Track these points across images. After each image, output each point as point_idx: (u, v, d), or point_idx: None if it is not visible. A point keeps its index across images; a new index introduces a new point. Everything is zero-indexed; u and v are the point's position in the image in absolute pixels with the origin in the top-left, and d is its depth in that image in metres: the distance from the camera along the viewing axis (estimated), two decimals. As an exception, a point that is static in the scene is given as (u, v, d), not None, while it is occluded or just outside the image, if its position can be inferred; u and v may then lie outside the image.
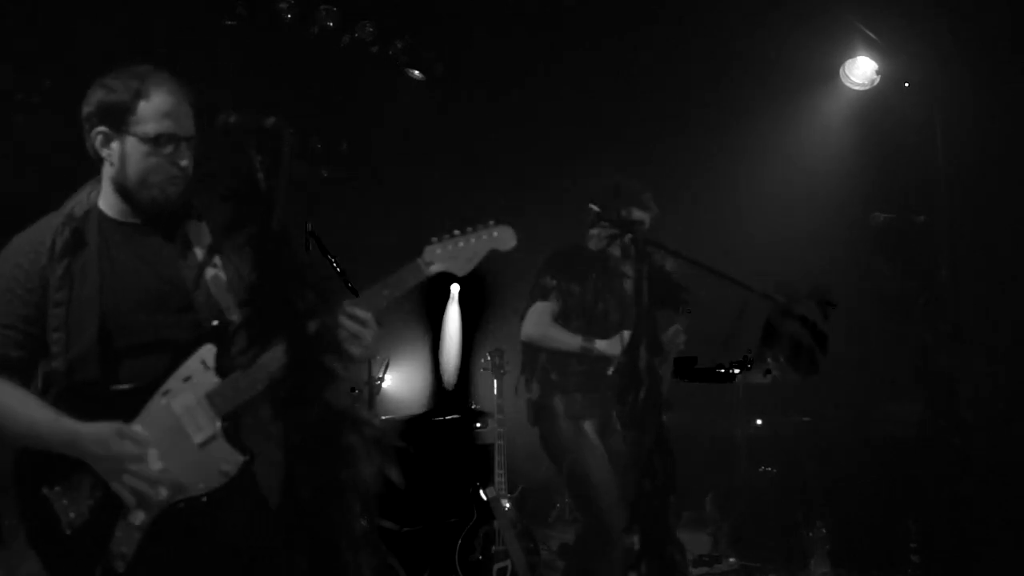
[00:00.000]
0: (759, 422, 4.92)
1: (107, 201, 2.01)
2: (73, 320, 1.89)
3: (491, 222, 2.16)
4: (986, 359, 4.20)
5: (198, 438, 1.88)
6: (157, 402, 1.89)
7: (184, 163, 1.94)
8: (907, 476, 4.29)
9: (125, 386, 1.88)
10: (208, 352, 1.91)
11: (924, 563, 4.08)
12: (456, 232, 2.13)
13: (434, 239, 2.11)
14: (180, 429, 1.87)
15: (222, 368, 1.90)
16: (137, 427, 1.86)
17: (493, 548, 4.21)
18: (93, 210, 1.99)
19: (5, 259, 1.94)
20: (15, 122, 3.91)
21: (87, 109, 1.96)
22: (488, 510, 4.29)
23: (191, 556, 1.88)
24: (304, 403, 1.28)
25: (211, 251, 2.01)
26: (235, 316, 1.94)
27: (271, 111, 1.57)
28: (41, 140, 3.76)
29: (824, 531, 4.30)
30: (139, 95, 1.91)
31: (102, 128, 1.93)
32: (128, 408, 1.88)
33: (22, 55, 3.92)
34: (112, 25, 3.95)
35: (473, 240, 2.13)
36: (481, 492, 4.33)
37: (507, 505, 4.34)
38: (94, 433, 1.81)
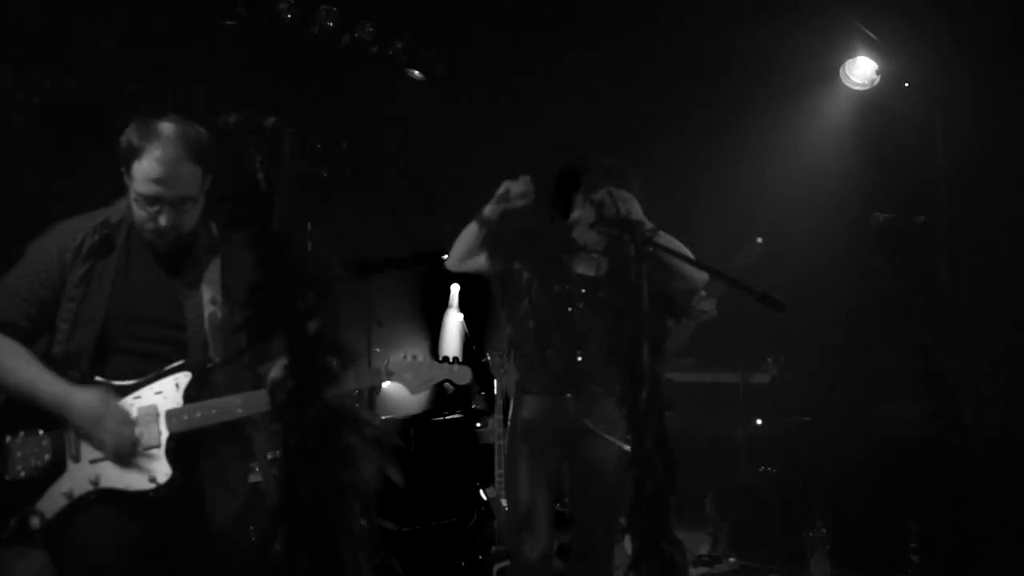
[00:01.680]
0: (759, 422, 4.92)
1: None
2: (81, 317, 2.09)
3: (458, 361, 2.59)
4: (986, 359, 4.20)
5: (144, 442, 2.08)
6: (128, 401, 2.09)
7: (164, 223, 2.10)
8: (907, 476, 4.29)
9: (102, 380, 2.09)
10: (183, 377, 2.13)
11: (924, 563, 4.07)
12: (416, 357, 2.52)
13: (404, 354, 2.51)
14: (132, 429, 2.08)
15: (188, 395, 2.12)
16: (119, 403, 2.07)
17: (493, 548, 4.21)
18: (126, 220, 2.17)
19: (43, 243, 2.14)
20: (15, 122, 3.91)
21: (121, 144, 2.14)
22: (488, 510, 4.29)
23: (113, 545, 2.05)
24: (304, 403, 1.28)
25: (202, 282, 2.20)
26: (214, 355, 2.16)
27: (271, 111, 1.57)
28: (41, 140, 3.76)
29: (824, 531, 4.30)
30: (138, 153, 2.07)
31: (122, 169, 2.13)
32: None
33: (22, 55, 3.92)
34: (112, 25, 3.95)
35: (432, 367, 2.52)
36: (481, 492, 4.33)
37: (507, 505, 4.33)
38: (84, 403, 2.03)
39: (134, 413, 2.08)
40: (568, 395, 2.90)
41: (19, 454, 2.01)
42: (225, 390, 2.13)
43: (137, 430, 2.07)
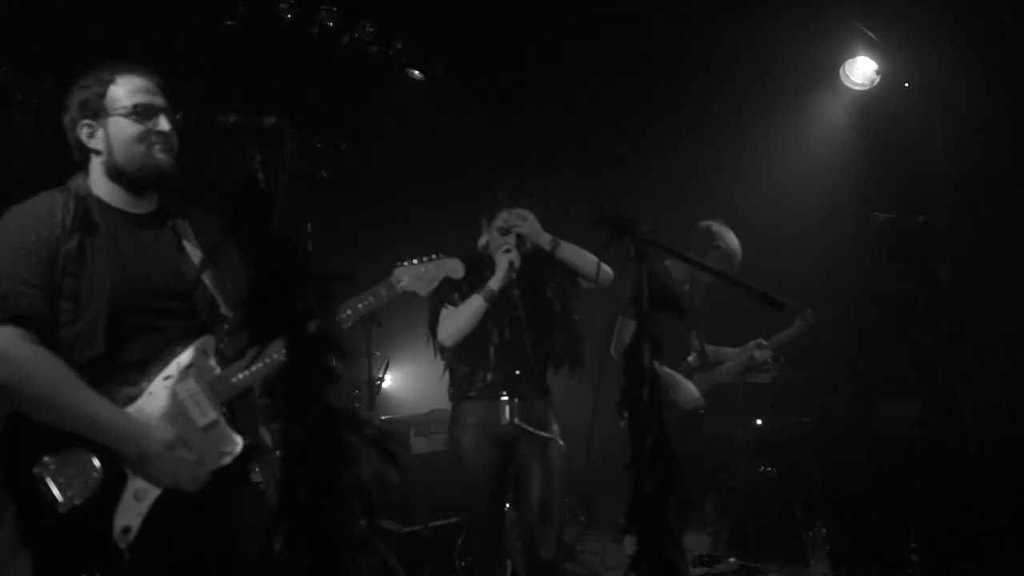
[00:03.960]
0: (759, 422, 4.92)
1: (101, 189, 2.08)
2: (83, 292, 1.93)
3: (442, 255, 2.68)
4: (986, 359, 4.20)
5: (202, 422, 1.97)
6: (159, 386, 1.96)
7: (165, 127, 2.05)
8: (907, 476, 4.29)
9: (128, 360, 1.95)
10: (208, 342, 2.03)
11: (924, 563, 4.07)
12: (415, 260, 2.63)
13: (399, 263, 2.60)
14: (185, 413, 1.96)
15: (223, 357, 2.03)
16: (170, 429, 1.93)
17: (493, 548, 4.20)
18: (90, 196, 2.06)
19: (18, 226, 1.95)
20: (15, 122, 3.91)
21: (69, 114, 2.08)
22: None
23: (189, 537, 1.94)
24: (304, 403, 1.28)
25: (208, 250, 2.12)
26: (224, 310, 2.08)
27: (271, 111, 1.57)
28: (41, 140, 3.76)
29: (824, 531, 4.30)
30: (110, 82, 2.05)
31: (85, 122, 2.06)
32: (128, 386, 1.95)
33: (22, 55, 3.92)
34: (112, 25, 3.95)
35: (432, 267, 2.64)
36: (481, 492, 4.32)
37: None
38: (162, 439, 1.90)
39: (181, 396, 1.96)
40: (503, 399, 3.11)
41: (62, 480, 1.81)
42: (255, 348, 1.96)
43: (187, 410, 1.96)
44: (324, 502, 1.24)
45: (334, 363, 1.32)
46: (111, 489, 1.86)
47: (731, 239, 4.19)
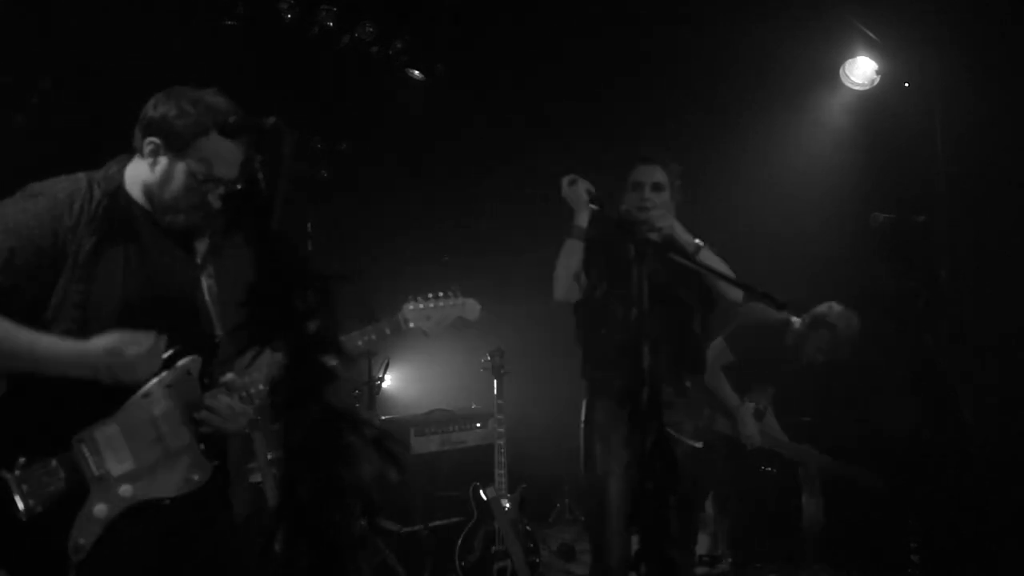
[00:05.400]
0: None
1: (136, 190, 2.00)
2: (93, 302, 1.87)
3: (459, 293, 2.49)
4: (986, 359, 4.20)
5: (174, 445, 1.92)
6: (137, 403, 1.90)
7: (216, 204, 1.95)
8: (907, 476, 4.29)
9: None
10: (194, 363, 1.97)
11: (924, 563, 4.07)
12: (430, 296, 2.45)
13: (411, 299, 2.43)
14: (156, 433, 1.91)
15: (203, 381, 1.97)
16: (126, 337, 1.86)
17: (493, 548, 4.21)
18: (122, 190, 1.98)
19: (22, 208, 1.87)
20: (15, 122, 3.91)
21: (151, 114, 1.96)
22: (488, 510, 4.29)
23: (146, 557, 1.90)
24: (304, 403, 1.28)
25: (205, 260, 2.06)
26: (219, 330, 2.02)
27: (271, 111, 1.57)
28: (40, 140, 3.76)
29: (824, 531, 4.31)
30: (207, 128, 1.92)
31: (156, 140, 1.95)
32: (108, 397, 1.88)
33: (22, 55, 3.92)
34: (112, 25, 3.95)
35: (445, 307, 2.46)
36: (481, 492, 4.33)
37: (507, 505, 4.33)
38: (104, 345, 1.82)
39: (156, 415, 1.91)
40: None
41: (26, 487, 1.78)
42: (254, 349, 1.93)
43: (161, 431, 1.91)
44: (324, 502, 1.23)
45: (334, 363, 1.32)
46: (72, 501, 1.82)
47: None
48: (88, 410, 1.86)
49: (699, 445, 3.04)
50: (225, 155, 1.94)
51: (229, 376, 1.99)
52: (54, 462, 1.81)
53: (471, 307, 2.54)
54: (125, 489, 1.86)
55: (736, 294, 3.09)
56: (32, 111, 3.92)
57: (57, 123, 3.83)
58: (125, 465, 1.87)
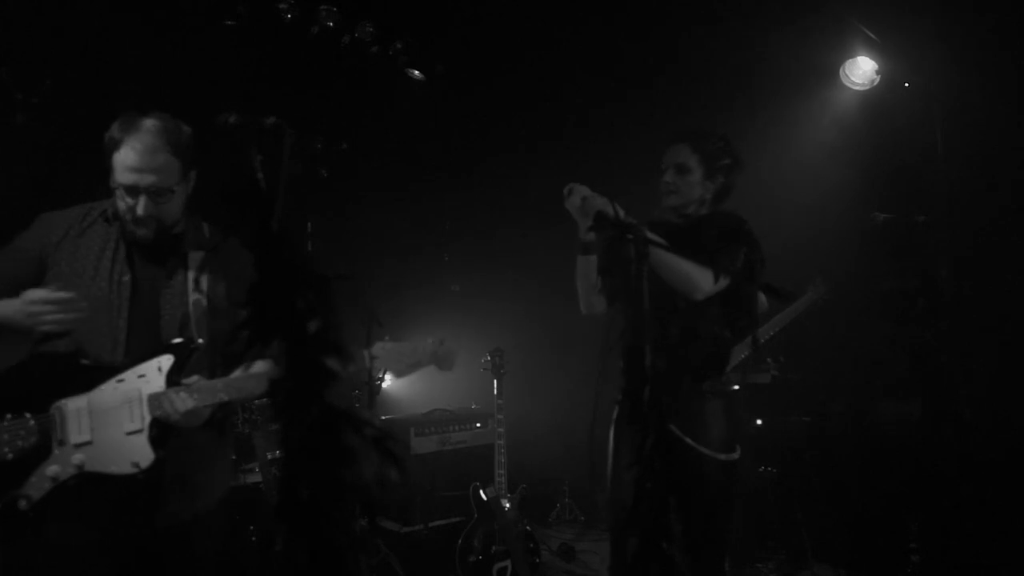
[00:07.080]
0: (759, 422, 4.92)
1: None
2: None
3: (440, 341, 2.39)
4: (986, 359, 4.21)
5: (127, 427, 2.11)
6: (110, 384, 2.12)
7: (141, 212, 2.12)
8: (907, 476, 4.29)
9: (87, 362, 2.13)
10: (166, 361, 2.15)
11: (924, 563, 4.08)
12: (398, 341, 2.34)
13: (387, 337, 2.33)
14: (116, 414, 2.11)
15: (170, 378, 2.13)
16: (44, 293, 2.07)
17: (493, 548, 4.21)
18: (115, 213, 2.22)
19: (28, 232, 2.20)
20: (15, 122, 3.92)
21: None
22: (488, 510, 4.29)
23: (85, 522, 2.09)
24: (304, 403, 1.28)
25: (196, 278, 2.23)
26: (201, 340, 2.19)
27: (271, 111, 1.57)
28: (40, 140, 3.77)
29: (823, 531, 4.31)
30: (118, 144, 2.12)
31: (108, 162, 2.17)
32: (90, 377, 2.12)
33: (22, 55, 3.92)
34: (112, 25, 3.95)
35: (415, 348, 2.36)
36: (481, 492, 4.33)
37: (507, 505, 4.34)
38: (26, 295, 2.06)
39: (120, 398, 2.10)
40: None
41: (6, 436, 2.03)
42: (208, 374, 2.17)
43: (121, 414, 2.10)
44: (324, 502, 1.23)
45: (334, 363, 1.32)
46: (35, 457, 2.04)
47: None
48: (71, 385, 2.10)
49: (723, 457, 2.89)
50: (125, 161, 2.11)
51: (194, 378, 2.16)
52: (32, 421, 2.06)
53: (446, 357, 2.39)
54: (78, 457, 2.06)
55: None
56: (32, 111, 3.93)
57: (57, 123, 3.83)
58: (83, 436, 2.08)
